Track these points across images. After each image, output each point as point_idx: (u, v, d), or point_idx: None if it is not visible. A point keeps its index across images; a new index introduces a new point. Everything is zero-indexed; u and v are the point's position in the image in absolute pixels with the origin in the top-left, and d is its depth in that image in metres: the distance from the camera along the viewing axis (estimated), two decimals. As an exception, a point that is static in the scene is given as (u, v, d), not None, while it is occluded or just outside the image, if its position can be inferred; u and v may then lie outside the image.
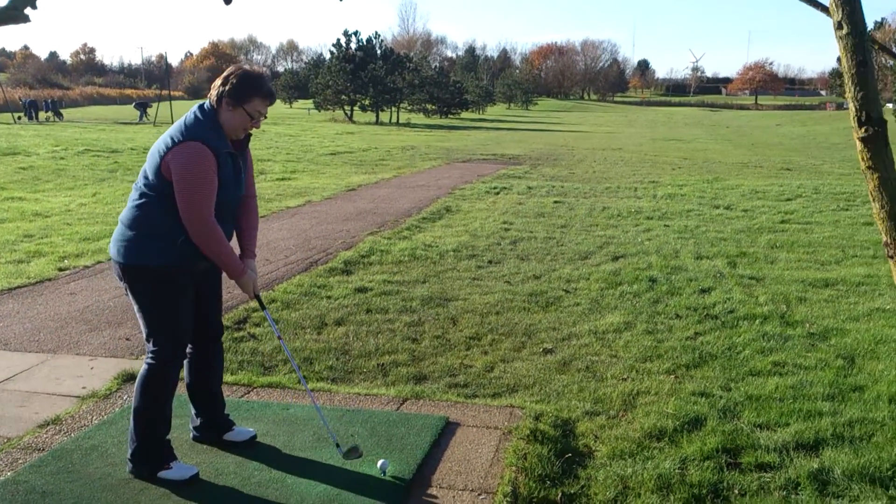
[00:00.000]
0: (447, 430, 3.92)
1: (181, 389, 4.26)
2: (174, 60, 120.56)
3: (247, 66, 3.37)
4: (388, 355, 5.13)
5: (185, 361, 3.58)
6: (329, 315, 5.96)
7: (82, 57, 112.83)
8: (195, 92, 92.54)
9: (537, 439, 3.80)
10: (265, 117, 3.36)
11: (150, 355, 3.34)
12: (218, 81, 3.28)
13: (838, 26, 1.78)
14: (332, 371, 4.84)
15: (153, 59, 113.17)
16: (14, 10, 1.48)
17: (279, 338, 3.73)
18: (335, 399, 4.33)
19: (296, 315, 5.93)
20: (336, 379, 4.72)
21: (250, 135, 3.44)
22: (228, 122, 3.25)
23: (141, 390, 3.34)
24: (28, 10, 1.49)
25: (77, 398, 4.29)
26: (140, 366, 4.71)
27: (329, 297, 6.46)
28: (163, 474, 3.32)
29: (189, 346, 3.54)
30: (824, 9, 2.02)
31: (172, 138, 3.17)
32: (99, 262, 7.70)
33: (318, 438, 3.78)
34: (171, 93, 48.31)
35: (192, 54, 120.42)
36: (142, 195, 3.23)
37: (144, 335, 3.36)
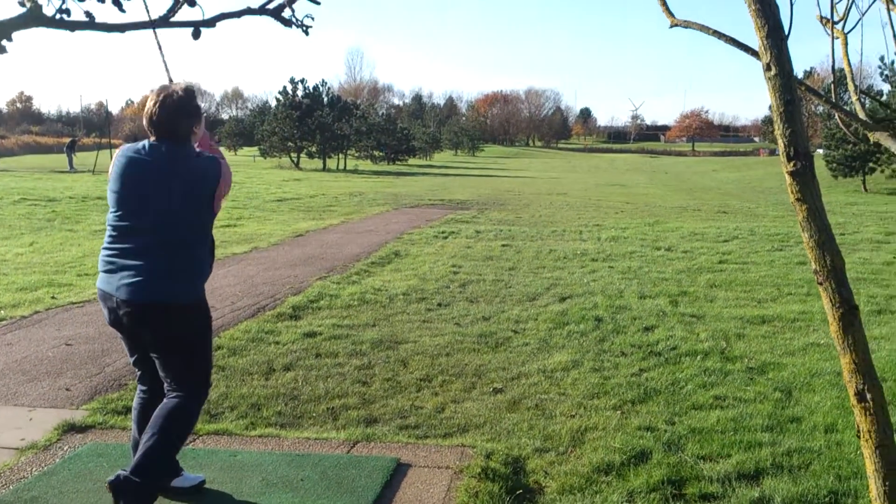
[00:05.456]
0: (399, 471, 3.92)
1: (124, 438, 4.17)
2: (115, 108, 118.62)
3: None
4: (338, 399, 5.10)
5: (138, 405, 3.53)
6: (277, 360, 5.91)
7: (18, 105, 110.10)
8: (135, 139, 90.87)
9: (489, 477, 3.83)
10: None
11: (187, 393, 3.35)
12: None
13: (767, 68, 1.90)
14: (281, 416, 4.79)
15: (93, 106, 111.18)
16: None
17: None
18: (284, 444, 4.28)
19: (243, 361, 5.86)
20: (285, 424, 4.67)
21: None
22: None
23: (169, 428, 3.28)
24: (5, 43, 1.52)
25: (16, 450, 4.14)
26: (80, 416, 4.62)
27: (277, 343, 6.41)
28: None
29: (144, 388, 3.52)
30: (754, 52, 2.18)
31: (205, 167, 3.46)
32: (36, 312, 7.49)
33: (268, 484, 3.73)
34: (112, 140, 47.51)
35: (133, 102, 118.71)
36: (191, 239, 3.34)
37: (181, 376, 3.34)
